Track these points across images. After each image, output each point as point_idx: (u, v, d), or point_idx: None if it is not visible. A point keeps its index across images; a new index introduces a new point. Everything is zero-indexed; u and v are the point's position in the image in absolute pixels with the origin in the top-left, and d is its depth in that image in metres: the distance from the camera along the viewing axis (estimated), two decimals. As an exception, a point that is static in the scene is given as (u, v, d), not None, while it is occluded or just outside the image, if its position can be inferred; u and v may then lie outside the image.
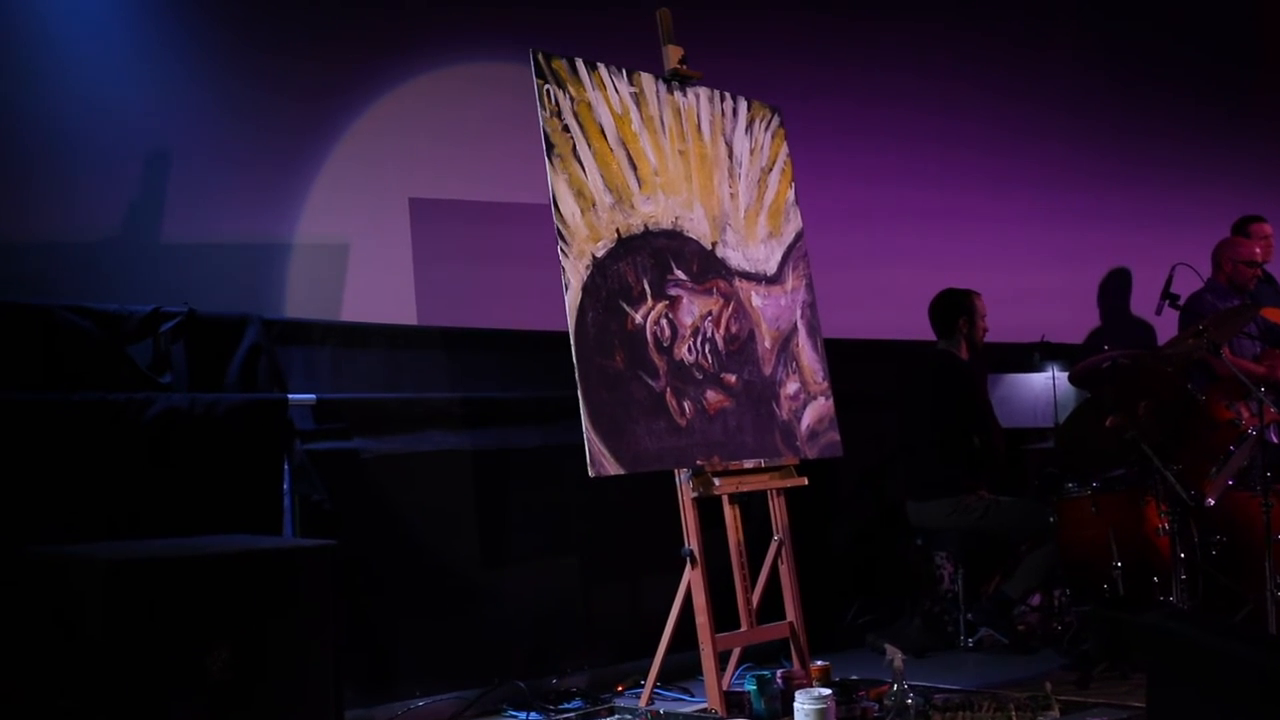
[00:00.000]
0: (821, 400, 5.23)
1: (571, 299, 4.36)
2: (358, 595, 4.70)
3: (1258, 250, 6.89)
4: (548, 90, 4.48)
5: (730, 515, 4.76)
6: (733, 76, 5.35)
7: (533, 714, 4.82)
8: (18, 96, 4.52)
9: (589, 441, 4.26)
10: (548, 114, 4.47)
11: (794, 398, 5.10)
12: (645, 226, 4.69)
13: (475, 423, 5.32)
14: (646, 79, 4.85)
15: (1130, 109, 8.44)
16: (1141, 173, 8.43)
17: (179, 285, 4.73)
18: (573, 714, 4.78)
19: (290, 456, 4.69)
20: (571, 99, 4.55)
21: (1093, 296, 8.25)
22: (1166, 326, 7.20)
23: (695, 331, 4.77)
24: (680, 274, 4.76)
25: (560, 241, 4.38)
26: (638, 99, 4.79)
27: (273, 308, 5.02)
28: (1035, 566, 5.79)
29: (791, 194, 5.38)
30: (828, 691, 4.23)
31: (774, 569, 5.00)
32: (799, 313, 5.26)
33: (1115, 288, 8.26)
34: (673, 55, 4.96)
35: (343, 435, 4.94)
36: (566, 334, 4.33)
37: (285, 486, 4.67)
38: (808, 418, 5.13)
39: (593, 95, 4.64)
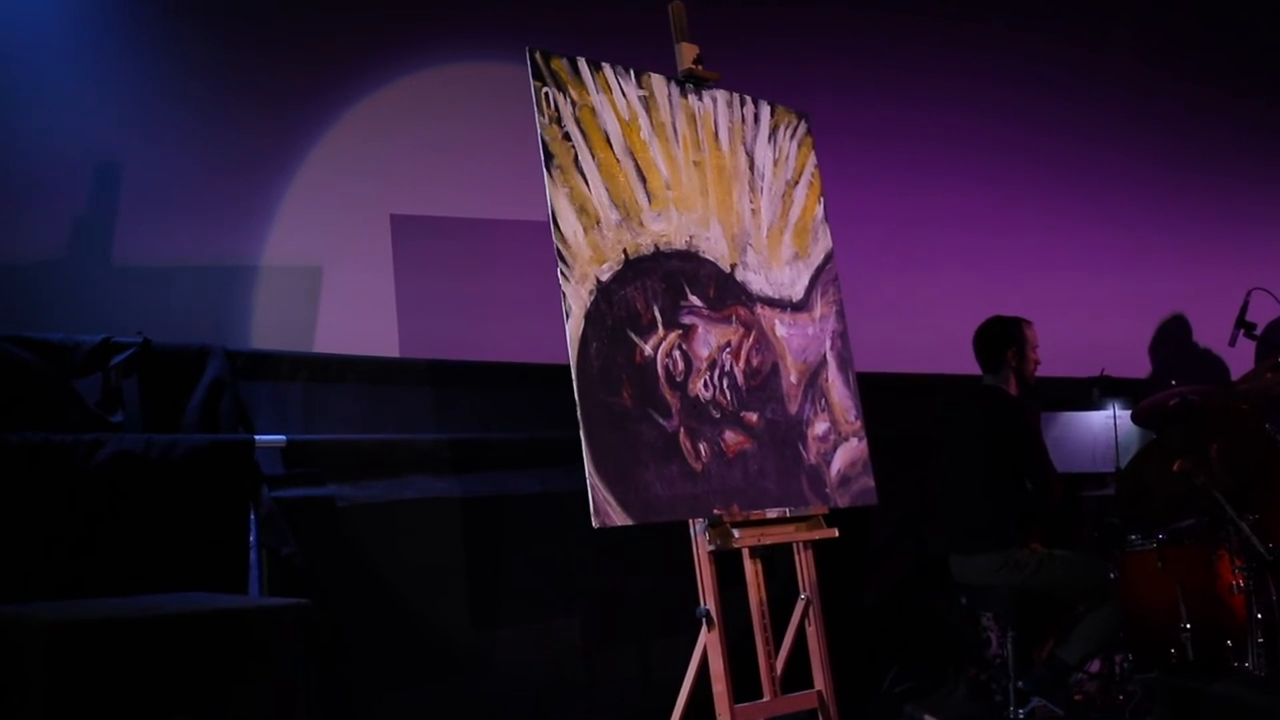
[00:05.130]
0: (854, 442, 5.23)
1: (573, 328, 4.36)
2: (331, 660, 4.69)
3: None
4: (546, 93, 4.50)
5: (751, 571, 4.75)
6: (754, 78, 5.36)
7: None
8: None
9: (592, 488, 4.25)
10: (546, 120, 4.48)
11: (823, 439, 5.10)
12: (656, 247, 4.70)
13: (464, 467, 5.32)
14: (657, 81, 4.87)
15: (1200, 115, 8.45)
16: (1213, 186, 8.43)
17: (132, 313, 4.75)
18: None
19: (257, 505, 4.69)
20: (573, 103, 4.57)
21: (1158, 325, 8.24)
22: (1242, 359, 7.19)
23: (712, 364, 4.77)
24: (695, 300, 4.77)
25: (560, 263, 4.39)
26: (647, 103, 4.81)
27: (237, 338, 5.03)
28: (1094, 629, 5.76)
29: (820, 210, 5.38)
30: (861, 770, 4.22)
31: (800, 631, 4.99)
32: (828, 343, 5.26)
33: (1183, 315, 8.25)
34: (687, 54, 4.97)
35: (316, 481, 4.94)
36: (567, 367, 4.33)
37: (251, 539, 4.67)
38: (838, 461, 5.13)
39: (597, 99, 4.65)
